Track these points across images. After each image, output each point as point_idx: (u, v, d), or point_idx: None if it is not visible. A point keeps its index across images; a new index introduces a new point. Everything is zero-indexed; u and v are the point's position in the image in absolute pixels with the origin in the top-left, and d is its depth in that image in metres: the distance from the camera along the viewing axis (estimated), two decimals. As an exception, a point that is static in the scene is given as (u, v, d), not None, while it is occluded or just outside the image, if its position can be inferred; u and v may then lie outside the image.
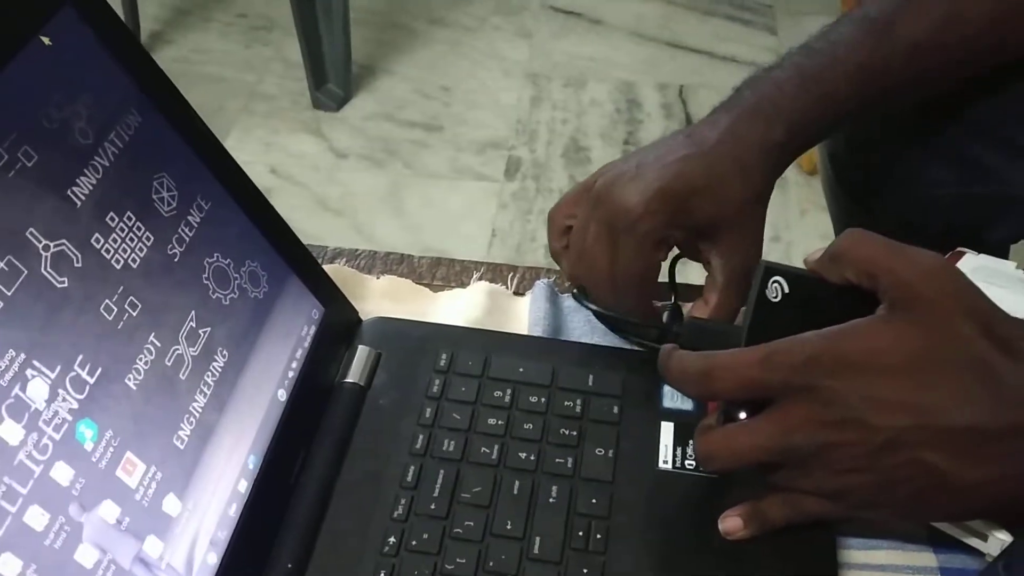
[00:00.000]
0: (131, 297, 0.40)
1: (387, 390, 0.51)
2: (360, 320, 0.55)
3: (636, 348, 0.54)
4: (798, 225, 1.57)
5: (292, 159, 1.65)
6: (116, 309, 0.39)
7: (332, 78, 1.76)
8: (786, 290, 0.43)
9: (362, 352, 0.53)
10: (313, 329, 0.51)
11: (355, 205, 1.58)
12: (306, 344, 0.50)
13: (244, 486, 0.44)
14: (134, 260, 0.41)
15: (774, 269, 0.43)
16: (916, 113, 0.62)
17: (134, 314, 0.40)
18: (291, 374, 0.49)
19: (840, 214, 0.78)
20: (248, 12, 2.00)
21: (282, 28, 1.87)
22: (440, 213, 1.58)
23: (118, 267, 0.40)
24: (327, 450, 0.48)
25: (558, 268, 0.57)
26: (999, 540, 0.42)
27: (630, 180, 0.49)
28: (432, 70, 1.88)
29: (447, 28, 1.99)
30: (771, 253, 1.63)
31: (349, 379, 0.51)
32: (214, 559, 0.41)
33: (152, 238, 0.42)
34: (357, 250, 0.60)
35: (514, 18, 2.01)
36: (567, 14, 2.02)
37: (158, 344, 0.41)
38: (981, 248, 0.53)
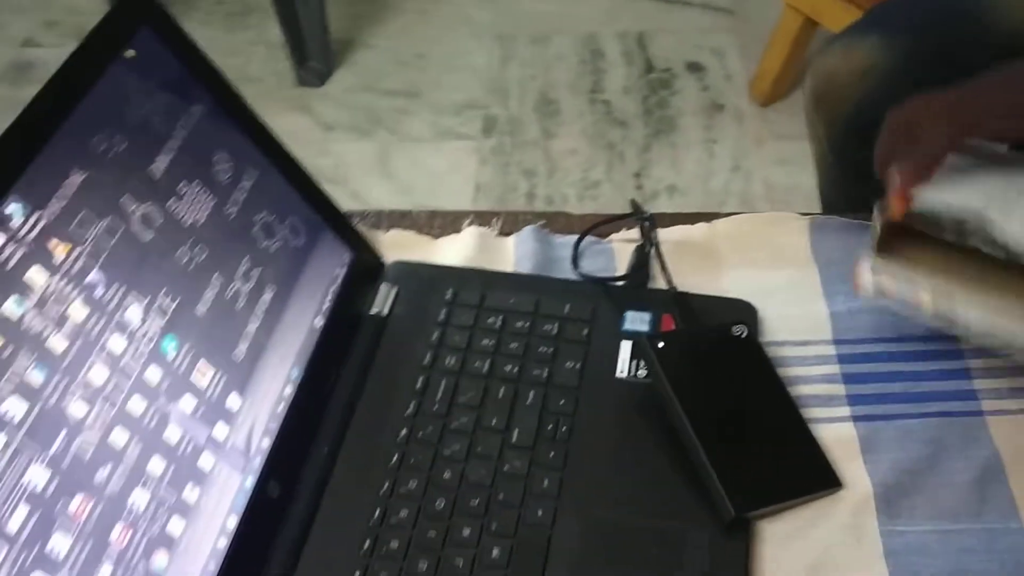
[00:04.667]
0: (199, 246, 0.53)
1: (403, 319, 0.64)
2: (383, 263, 0.68)
3: (608, 282, 0.65)
4: (755, 154, 1.69)
5: (285, 136, 1.73)
6: (188, 255, 0.52)
7: (313, 55, 1.85)
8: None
9: (384, 288, 0.65)
10: (344, 270, 0.64)
11: (348, 174, 1.70)
12: (338, 282, 0.63)
13: (289, 391, 0.57)
14: (200, 218, 0.54)
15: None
16: None
17: (201, 259, 0.53)
18: (326, 306, 0.62)
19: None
20: (225, -1, 2.08)
21: (261, 11, 1.95)
22: (427, 173, 1.71)
23: (188, 224, 0.53)
24: (354, 366, 0.61)
25: (535, 211, 0.68)
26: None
27: None
28: (406, 39, 1.99)
29: (415, -3, 2.08)
30: (733, 181, 1.73)
31: (374, 310, 0.64)
32: (267, 443, 0.55)
33: (213, 201, 0.55)
34: (365, 211, 0.72)
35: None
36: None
37: (221, 281, 0.54)
38: None
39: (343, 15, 2.02)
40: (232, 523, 0.51)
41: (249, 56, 1.96)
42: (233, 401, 0.53)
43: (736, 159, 1.68)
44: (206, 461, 0.50)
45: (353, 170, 1.71)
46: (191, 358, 0.51)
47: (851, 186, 0.88)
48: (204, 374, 0.52)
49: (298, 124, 1.80)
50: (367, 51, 1.97)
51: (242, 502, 0.52)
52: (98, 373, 0.46)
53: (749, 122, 1.75)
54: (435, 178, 1.70)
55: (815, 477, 0.54)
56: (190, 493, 0.49)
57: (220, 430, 0.52)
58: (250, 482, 0.53)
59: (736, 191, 1.62)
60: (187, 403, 0.50)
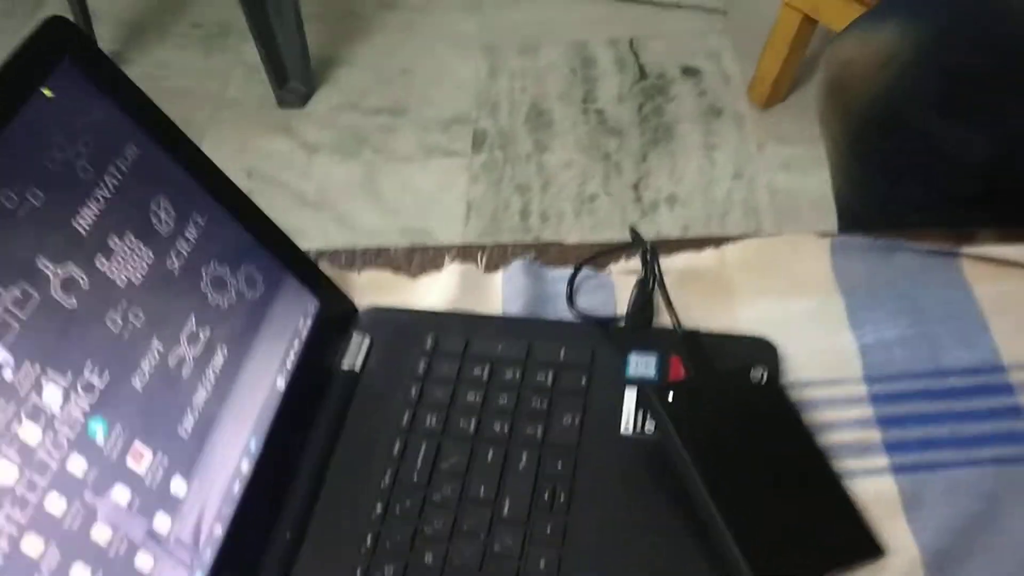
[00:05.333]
0: (134, 309, 0.46)
1: (378, 373, 0.57)
2: (356, 310, 0.61)
3: (609, 323, 0.58)
4: (758, 160, 1.62)
5: (266, 160, 1.70)
6: (121, 321, 0.45)
7: (293, 75, 1.79)
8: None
9: (357, 338, 0.58)
10: (309, 321, 0.57)
11: (333, 197, 1.63)
12: (303, 335, 0.56)
13: (246, 465, 0.50)
14: (136, 277, 0.47)
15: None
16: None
17: (138, 324, 0.46)
18: (288, 364, 0.55)
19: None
20: (202, 21, 2.03)
21: (238, 33, 1.89)
22: (415, 193, 1.64)
23: (122, 284, 0.46)
24: (323, 431, 0.54)
25: (528, 243, 0.61)
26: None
27: None
28: (389, 55, 1.92)
29: (397, 11, 2.02)
30: (736, 189, 1.66)
31: (345, 365, 0.57)
32: (219, 531, 0.48)
33: (152, 255, 0.48)
34: (336, 250, 0.66)
35: (461, -9, 2.03)
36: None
37: (161, 348, 0.47)
38: None
39: (323, 32, 1.96)
40: (179, 632, 0.44)
41: (227, 79, 1.89)
42: (177, 486, 0.46)
43: (738, 165, 1.61)
44: (144, 561, 0.43)
45: (338, 193, 1.64)
46: (124, 441, 0.44)
47: (868, 185, 0.81)
48: (141, 458, 0.45)
49: (280, 147, 1.74)
50: (349, 69, 1.90)
51: (191, 605, 0.45)
52: (4, 472, 0.39)
53: (749, 126, 1.68)
54: (424, 198, 1.63)
55: (852, 544, 0.47)
56: (126, 603, 0.42)
57: (161, 522, 0.45)
58: (201, 580, 0.46)
59: (739, 199, 1.55)
60: (120, 494, 0.43)
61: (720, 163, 1.62)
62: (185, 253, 0.50)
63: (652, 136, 1.68)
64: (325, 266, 0.64)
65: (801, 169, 1.57)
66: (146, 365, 0.46)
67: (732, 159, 1.62)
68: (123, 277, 0.46)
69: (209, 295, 0.51)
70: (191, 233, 0.50)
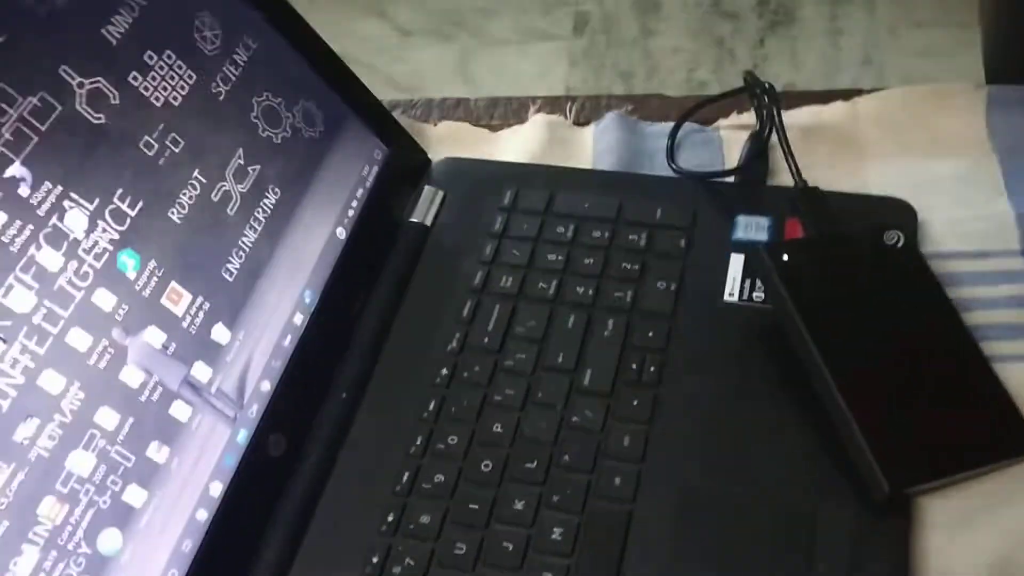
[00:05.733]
0: (173, 134, 0.41)
1: (450, 229, 0.51)
2: (429, 161, 0.54)
3: (713, 179, 0.51)
4: (889, 45, 1.45)
5: (358, 43, 1.61)
6: (157, 145, 0.40)
7: None
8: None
9: (428, 192, 0.52)
10: (375, 169, 0.51)
11: (426, 83, 1.56)
12: (368, 183, 0.50)
13: (300, 319, 0.45)
14: (175, 98, 0.41)
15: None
16: None
17: (176, 150, 0.41)
18: (351, 213, 0.49)
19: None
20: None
21: None
22: (512, 80, 1.54)
23: (158, 104, 0.41)
24: (387, 287, 0.48)
25: (620, 95, 0.53)
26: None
27: None
28: None
29: None
30: (863, 76, 1.49)
31: (414, 218, 0.51)
32: (267, 387, 0.43)
33: (194, 76, 0.42)
34: (412, 99, 0.59)
35: None
36: None
37: (203, 180, 0.42)
38: None
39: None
40: (217, 490, 0.40)
41: (323, -43, 1.82)
42: (220, 333, 0.41)
43: (867, 51, 1.45)
44: (180, 411, 0.39)
45: (431, 78, 1.57)
46: (160, 279, 0.39)
47: None
48: (179, 299, 0.40)
49: (373, 30, 1.67)
50: (447, -52, 1.81)
51: (231, 463, 0.41)
52: (19, 299, 0.34)
53: (881, 8, 1.51)
54: (521, 84, 1.54)
55: (1003, 438, 0.39)
56: (156, 453, 0.38)
57: (201, 371, 0.40)
58: (243, 437, 0.42)
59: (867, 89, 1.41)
60: (153, 336, 0.38)
61: (846, 49, 1.47)
62: (233, 77, 0.44)
63: (771, 19, 1.54)
64: (399, 116, 0.58)
65: (942, 56, 1.41)
66: (185, 197, 0.41)
67: (860, 44, 1.47)
68: (159, 96, 0.41)
69: (260, 127, 0.45)
70: (240, 56, 0.44)
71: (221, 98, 0.43)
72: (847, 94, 0.54)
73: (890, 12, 1.51)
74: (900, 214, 0.47)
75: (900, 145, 0.51)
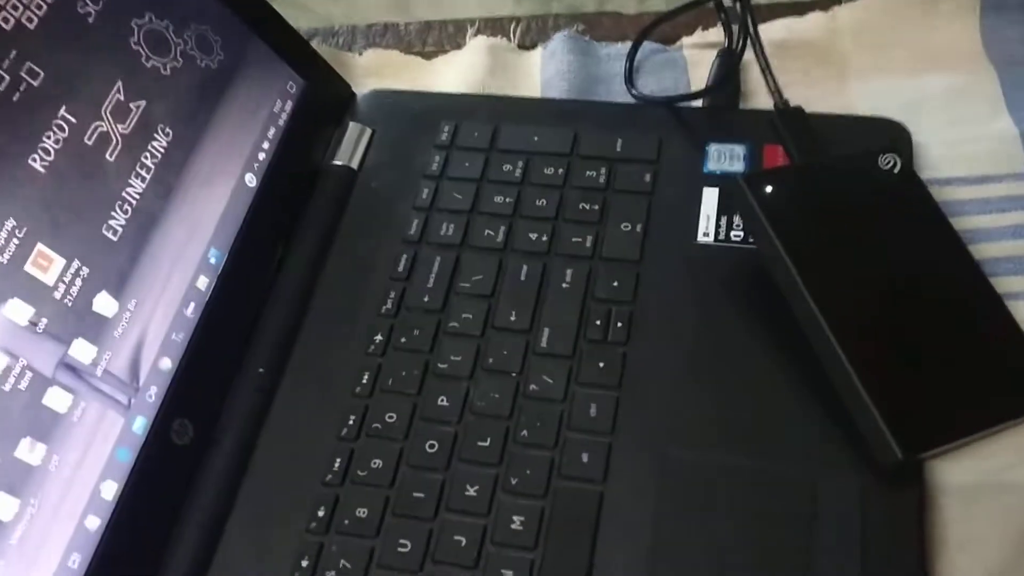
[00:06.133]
0: (28, 63, 0.33)
1: (380, 171, 0.44)
2: (354, 95, 0.47)
3: (680, 102, 0.44)
4: None
5: None
6: (8, 78, 0.33)
7: None
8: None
9: (353, 130, 0.45)
10: (289, 104, 0.44)
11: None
12: (280, 122, 0.43)
13: (205, 283, 0.38)
14: (29, 19, 0.34)
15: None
16: None
17: (35, 83, 0.33)
18: (262, 156, 0.42)
19: None
20: None
21: None
22: (449, 5, 1.44)
23: (7, 27, 0.33)
24: (308, 242, 0.42)
25: (575, 14, 0.47)
26: None
27: None
28: None
29: None
30: None
31: (336, 161, 0.44)
32: (167, 365, 0.36)
33: (56, -6, 0.35)
34: (334, 27, 0.52)
35: None
36: None
37: (72, 119, 0.34)
38: None
39: None
40: (111, 491, 0.34)
41: None
42: (104, 304, 0.34)
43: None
44: (57, 400, 0.32)
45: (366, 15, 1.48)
46: (21, 241, 0.32)
47: None
48: (48, 265, 0.33)
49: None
50: None
51: (127, 458, 0.34)
52: None
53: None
54: (457, 7, 1.45)
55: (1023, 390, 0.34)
56: (28, 453, 0.31)
57: (82, 350, 0.33)
58: (140, 426, 0.35)
59: None
60: (16, 311, 0.31)
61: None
62: (106, -4, 0.36)
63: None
64: (317, 45, 0.51)
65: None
66: (50, 141, 0.34)
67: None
68: (8, 17, 0.33)
69: (143, 55, 0.38)
70: (116, -29, 0.37)
71: (91, 19, 0.36)
72: (824, 4, 0.48)
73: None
74: (892, 136, 0.41)
75: (885, 61, 0.46)
